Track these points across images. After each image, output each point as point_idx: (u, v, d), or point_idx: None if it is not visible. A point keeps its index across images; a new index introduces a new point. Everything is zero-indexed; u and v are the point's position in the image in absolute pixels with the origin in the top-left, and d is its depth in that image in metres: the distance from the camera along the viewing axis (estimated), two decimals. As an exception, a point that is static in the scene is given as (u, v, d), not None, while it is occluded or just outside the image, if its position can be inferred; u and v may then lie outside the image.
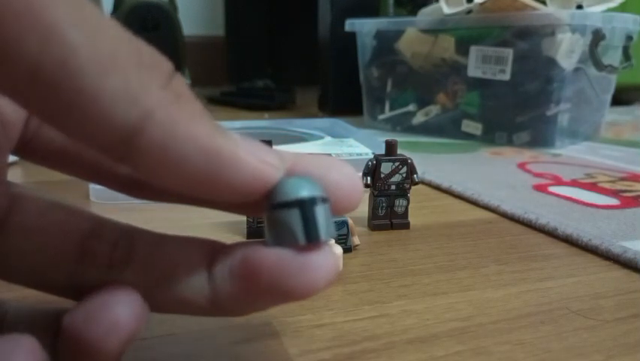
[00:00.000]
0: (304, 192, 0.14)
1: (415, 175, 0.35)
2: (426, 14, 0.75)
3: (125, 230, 0.17)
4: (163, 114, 0.12)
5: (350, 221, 0.31)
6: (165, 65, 0.13)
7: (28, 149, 0.17)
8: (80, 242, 0.16)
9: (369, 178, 0.35)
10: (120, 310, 0.14)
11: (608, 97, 0.76)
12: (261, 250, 0.15)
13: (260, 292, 0.15)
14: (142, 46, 0.12)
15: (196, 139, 0.12)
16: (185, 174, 0.13)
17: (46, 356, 0.13)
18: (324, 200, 0.15)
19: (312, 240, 0.14)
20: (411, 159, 0.35)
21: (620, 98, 1.05)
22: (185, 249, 0.17)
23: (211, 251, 0.16)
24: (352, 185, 0.16)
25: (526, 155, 0.62)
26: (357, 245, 0.31)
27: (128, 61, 0.12)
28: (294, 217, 0.14)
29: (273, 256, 0.14)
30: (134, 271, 0.16)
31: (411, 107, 0.78)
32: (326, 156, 0.16)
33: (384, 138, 0.36)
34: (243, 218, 0.33)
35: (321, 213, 0.14)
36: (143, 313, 0.15)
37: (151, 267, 0.16)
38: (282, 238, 0.14)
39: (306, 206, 0.14)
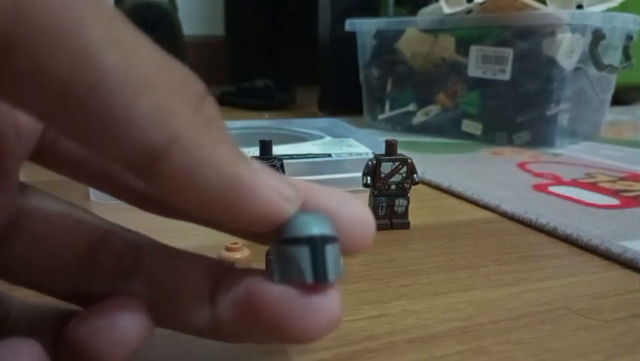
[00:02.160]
0: (315, 229, 0.14)
1: (415, 175, 0.35)
2: (426, 14, 0.76)
3: (132, 241, 0.17)
4: (189, 139, 0.12)
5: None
6: (197, 86, 0.13)
7: (44, 157, 0.17)
8: (86, 252, 0.16)
9: (369, 178, 0.35)
10: (126, 325, 0.14)
11: (608, 97, 0.76)
12: (266, 285, 0.14)
13: (260, 328, 0.15)
14: (175, 65, 0.12)
15: (219, 166, 0.12)
16: (203, 198, 0.12)
17: (48, 359, 0.13)
18: (335, 239, 0.14)
19: (320, 279, 0.14)
20: (411, 159, 0.35)
21: (620, 98, 1.05)
22: (191, 268, 0.16)
23: (216, 274, 0.16)
24: (364, 224, 0.15)
25: (526, 155, 0.62)
26: (357, 245, 0.31)
27: (160, 82, 0.11)
28: (303, 255, 0.14)
29: (276, 294, 0.14)
30: (139, 283, 0.16)
31: (411, 107, 0.78)
32: (340, 191, 0.16)
33: (384, 138, 0.36)
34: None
35: (330, 252, 0.14)
36: (148, 328, 0.15)
37: (156, 282, 0.16)
38: (289, 274, 0.14)
39: (316, 244, 0.14)
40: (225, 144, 0.13)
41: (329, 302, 0.14)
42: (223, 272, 0.16)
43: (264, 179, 0.13)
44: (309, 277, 0.14)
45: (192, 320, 0.16)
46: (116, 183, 0.17)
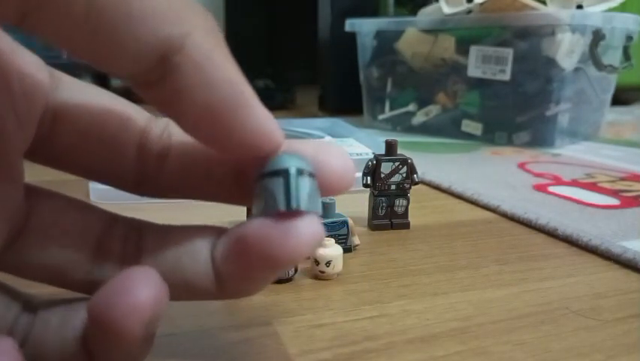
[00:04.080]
0: (291, 162, 0.15)
1: (415, 175, 0.35)
2: (426, 14, 0.76)
3: (133, 224, 0.18)
4: (201, 36, 0.13)
5: (350, 221, 0.31)
6: (197, 1, 0.14)
7: (41, 151, 0.17)
8: (95, 239, 0.17)
9: (369, 178, 0.35)
10: (139, 292, 0.14)
11: (608, 97, 0.76)
12: (247, 224, 0.15)
13: (252, 265, 0.15)
14: None
15: (226, 70, 0.13)
16: (209, 103, 0.13)
17: (22, 357, 0.14)
18: (311, 174, 0.15)
19: (291, 207, 0.14)
20: (411, 159, 0.35)
21: (620, 98, 1.05)
22: (189, 238, 0.17)
23: (213, 236, 0.17)
24: (343, 165, 0.16)
25: (526, 155, 0.62)
26: (357, 245, 0.31)
27: None
28: (278, 185, 0.15)
29: (256, 227, 0.15)
30: (145, 263, 0.17)
31: (411, 107, 0.78)
32: (319, 141, 0.17)
33: (385, 138, 0.36)
34: (244, 218, 0.33)
35: (304, 184, 0.15)
36: (162, 293, 0.15)
37: (159, 259, 0.17)
38: (266, 205, 0.15)
39: (289, 175, 0.15)
40: (229, 56, 0.14)
41: (306, 222, 0.15)
42: (219, 233, 0.17)
43: (260, 103, 0.14)
44: (281, 205, 0.14)
45: (198, 284, 0.17)
46: (110, 168, 0.18)
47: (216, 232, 0.17)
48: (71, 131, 0.17)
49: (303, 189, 0.15)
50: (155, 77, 0.13)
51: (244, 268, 0.16)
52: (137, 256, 0.17)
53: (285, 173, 0.15)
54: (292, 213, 0.14)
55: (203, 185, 0.18)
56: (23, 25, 0.12)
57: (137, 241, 0.17)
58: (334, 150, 0.16)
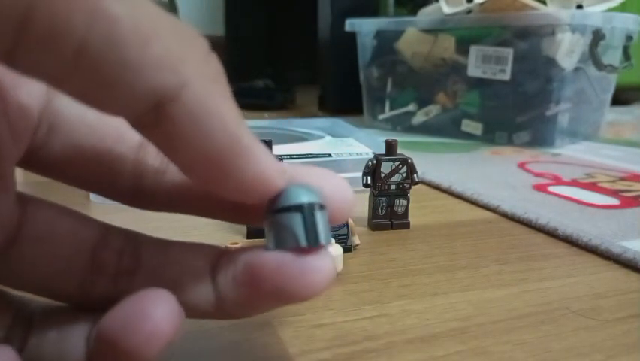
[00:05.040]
0: (305, 198, 0.15)
1: (415, 175, 0.35)
2: (426, 14, 0.76)
3: (130, 237, 0.17)
4: (199, 86, 0.12)
5: (350, 221, 0.31)
6: (202, 41, 0.13)
7: (34, 160, 0.17)
8: (89, 251, 0.17)
9: (369, 178, 0.35)
10: (159, 318, 0.14)
11: (608, 97, 0.76)
12: (263, 255, 0.15)
13: (263, 296, 0.15)
14: (179, 22, 0.13)
15: (224, 119, 0.13)
16: (204, 151, 0.13)
17: None
18: (322, 207, 0.15)
19: (312, 243, 0.15)
20: (411, 159, 0.35)
21: (620, 98, 1.05)
22: (189, 256, 0.17)
23: (214, 257, 0.17)
24: (344, 195, 0.16)
25: (526, 155, 0.62)
26: (357, 245, 0.31)
27: (167, 31, 0.12)
28: (296, 221, 0.15)
29: (274, 261, 0.15)
30: (142, 279, 0.16)
31: (411, 107, 0.78)
32: (320, 168, 0.17)
33: (385, 138, 0.36)
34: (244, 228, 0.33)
35: (320, 218, 0.15)
36: (180, 318, 0.14)
37: (157, 275, 0.16)
38: (284, 241, 0.15)
39: (306, 210, 0.15)
40: (230, 101, 0.13)
41: (322, 261, 0.15)
42: (220, 254, 0.17)
43: (261, 147, 0.14)
44: (302, 242, 0.15)
45: (197, 304, 0.16)
46: (106, 180, 0.17)
47: (217, 252, 0.17)
48: (66, 142, 0.17)
49: (320, 224, 0.15)
50: (149, 121, 0.12)
51: (252, 297, 0.16)
52: (134, 270, 0.17)
53: (301, 209, 0.15)
54: (311, 248, 0.15)
55: (202, 204, 0.18)
56: (11, 65, 0.11)
57: (134, 255, 0.17)
58: (336, 181, 0.17)
